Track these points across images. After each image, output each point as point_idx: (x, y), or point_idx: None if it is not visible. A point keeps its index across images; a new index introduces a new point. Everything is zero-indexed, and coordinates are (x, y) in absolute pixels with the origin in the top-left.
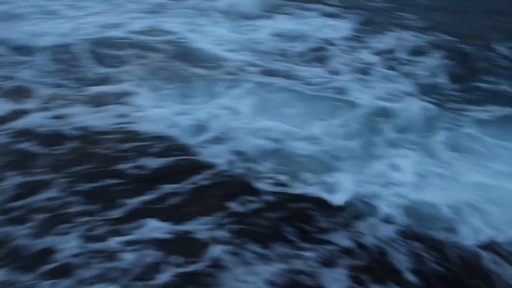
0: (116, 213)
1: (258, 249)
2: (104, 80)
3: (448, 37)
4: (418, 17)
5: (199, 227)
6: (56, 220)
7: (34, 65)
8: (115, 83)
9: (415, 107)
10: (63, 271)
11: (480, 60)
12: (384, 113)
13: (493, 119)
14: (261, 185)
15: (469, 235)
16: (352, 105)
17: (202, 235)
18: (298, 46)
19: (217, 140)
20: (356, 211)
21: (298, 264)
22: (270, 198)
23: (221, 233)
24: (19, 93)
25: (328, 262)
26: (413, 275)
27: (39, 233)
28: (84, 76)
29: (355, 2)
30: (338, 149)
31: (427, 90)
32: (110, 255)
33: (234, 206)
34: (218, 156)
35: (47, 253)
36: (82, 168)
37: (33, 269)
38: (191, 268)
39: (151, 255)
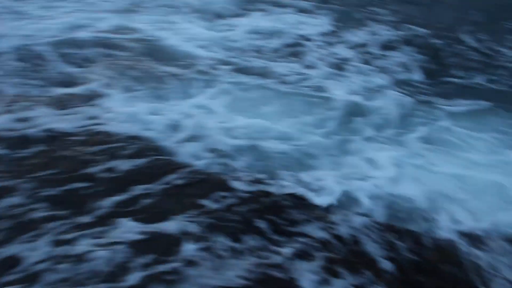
0: (85, 217)
1: (231, 244)
2: (72, 81)
3: (420, 31)
4: (390, 12)
5: (172, 225)
6: (21, 227)
7: None
8: (84, 84)
9: (389, 102)
10: (30, 278)
11: (451, 53)
12: (359, 108)
13: (465, 111)
14: (236, 183)
15: (445, 224)
16: (327, 101)
17: (175, 233)
18: (274, 43)
19: (191, 139)
20: (331, 205)
21: (272, 258)
22: (244, 195)
23: (195, 230)
24: None
25: (303, 255)
26: (388, 265)
27: (4, 241)
28: (51, 77)
29: None
30: (313, 145)
31: (401, 84)
32: (80, 258)
33: (208, 203)
34: (192, 155)
35: (12, 261)
36: (49, 173)
37: None
38: (163, 266)
39: (122, 256)
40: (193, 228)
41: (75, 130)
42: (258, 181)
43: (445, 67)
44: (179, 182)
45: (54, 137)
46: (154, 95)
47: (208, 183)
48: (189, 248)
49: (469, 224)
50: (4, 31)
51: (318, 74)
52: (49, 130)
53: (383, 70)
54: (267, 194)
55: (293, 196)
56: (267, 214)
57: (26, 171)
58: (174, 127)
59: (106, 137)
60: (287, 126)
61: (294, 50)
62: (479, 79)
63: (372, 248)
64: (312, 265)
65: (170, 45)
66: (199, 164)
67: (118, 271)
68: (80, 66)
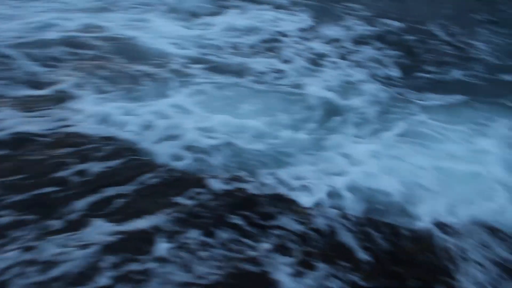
0: (56, 221)
1: (205, 240)
2: (40, 82)
3: (394, 25)
4: (364, 6)
5: (145, 224)
6: None
7: None
8: (53, 85)
9: (365, 97)
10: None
11: (425, 47)
12: (335, 104)
13: (440, 105)
14: (211, 181)
15: (422, 216)
16: (303, 97)
17: (148, 232)
18: (250, 40)
19: (166, 139)
20: (308, 199)
21: (247, 252)
22: (220, 192)
23: (168, 228)
24: None
25: (279, 249)
26: (366, 256)
27: None
28: (17, 78)
29: None
30: (290, 142)
31: (376, 79)
32: (50, 262)
33: (182, 201)
34: (167, 155)
35: None
36: (16, 178)
37: None
38: (134, 266)
39: (94, 258)
40: (166, 226)
41: (44, 132)
42: (234, 179)
43: (420, 61)
44: (154, 181)
45: (21, 140)
46: (127, 95)
47: (183, 181)
48: (162, 246)
49: (445, 214)
50: None
51: (294, 70)
52: (16, 133)
53: (358, 65)
54: (243, 190)
55: (269, 192)
56: (243, 210)
57: None
58: (148, 127)
59: (77, 139)
60: (264, 124)
61: (270, 46)
62: (452, 73)
63: (350, 240)
64: (288, 258)
65: (144, 44)
66: (174, 163)
67: (89, 273)
68: (50, 67)
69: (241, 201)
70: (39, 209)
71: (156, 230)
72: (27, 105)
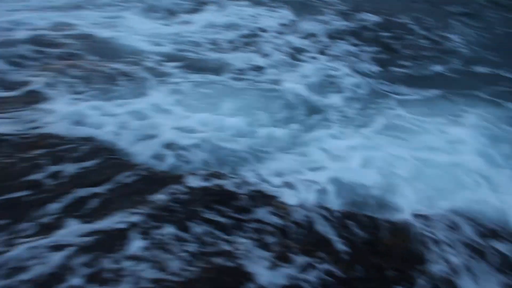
0: (28, 224)
1: (182, 235)
2: (11, 83)
3: (370, 20)
4: (341, 1)
5: (120, 223)
6: None
7: None
8: (25, 85)
9: (343, 92)
10: None
11: (401, 41)
12: (313, 100)
13: (417, 98)
14: (189, 178)
15: (400, 207)
16: (282, 93)
17: (123, 230)
18: (229, 37)
19: (143, 138)
20: (287, 194)
21: (223, 247)
22: (198, 188)
23: (143, 226)
24: None
25: (257, 243)
26: (344, 248)
27: None
28: None
29: None
30: (269, 138)
31: (354, 74)
32: (20, 265)
33: (159, 198)
34: (144, 154)
35: None
36: None
37: None
38: (107, 265)
39: (66, 259)
40: (142, 223)
41: (15, 134)
42: (212, 176)
43: (396, 55)
44: (130, 180)
45: None
46: (102, 94)
47: (160, 180)
48: (136, 244)
49: (423, 205)
50: None
51: (273, 66)
52: None
53: (336, 60)
54: (222, 187)
55: (248, 187)
56: (221, 206)
57: None
58: (124, 126)
59: (50, 140)
60: (243, 121)
61: (249, 43)
62: (428, 66)
63: (329, 233)
64: (266, 252)
65: (120, 42)
66: (152, 162)
67: (61, 274)
68: (20, 66)
69: (219, 197)
70: (10, 213)
71: (132, 228)
72: None
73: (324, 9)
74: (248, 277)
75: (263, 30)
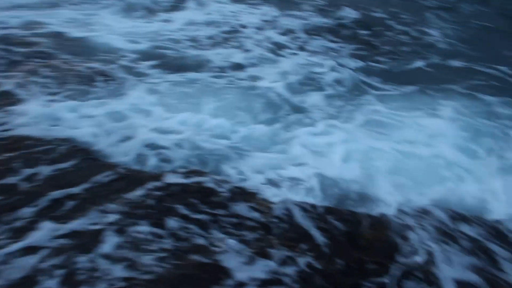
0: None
1: (158, 232)
2: None
3: (349, 16)
4: None
5: (96, 222)
6: None
7: None
8: None
9: (323, 88)
10: None
11: (378, 37)
12: (294, 96)
13: (397, 93)
14: (168, 176)
15: (380, 202)
16: (262, 90)
17: (99, 229)
18: (209, 35)
19: (120, 138)
20: (268, 190)
21: (201, 243)
22: (176, 186)
23: (120, 224)
24: None
25: (235, 238)
26: (324, 243)
27: None
28: None
29: None
30: (249, 136)
31: (334, 70)
32: None
33: (136, 197)
34: (122, 154)
35: None
36: None
37: None
38: (81, 264)
39: (39, 261)
40: (118, 223)
41: None
42: (191, 173)
43: (374, 50)
44: (107, 180)
45: None
46: (79, 95)
47: (138, 179)
48: (111, 243)
49: (402, 198)
50: None
51: (253, 63)
52: None
53: (316, 56)
54: (201, 184)
55: (228, 184)
56: (200, 203)
57: None
58: (101, 127)
59: (24, 143)
60: (222, 119)
61: (229, 40)
62: (406, 61)
63: (308, 228)
64: (245, 247)
65: (97, 41)
66: (129, 162)
67: (34, 277)
68: None
69: (198, 194)
70: None
71: (107, 228)
72: None
73: (304, 5)
74: (225, 272)
75: (244, 27)
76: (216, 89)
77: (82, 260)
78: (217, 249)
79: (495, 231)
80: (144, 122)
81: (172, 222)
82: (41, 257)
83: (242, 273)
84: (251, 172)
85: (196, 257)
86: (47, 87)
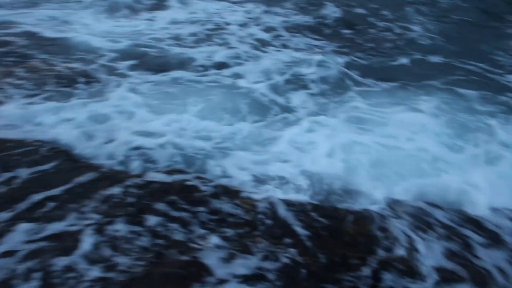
0: None
1: (137, 230)
2: None
3: (330, 15)
4: None
5: (75, 224)
6: None
7: None
8: None
9: (305, 85)
10: None
11: (360, 33)
12: (277, 93)
13: (378, 90)
14: (149, 175)
15: (363, 196)
16: (245, 89)
17: (77, 230)
18: (192, 33)
19: (102, 140)
20: (251, 188)
21: (181, 240)
22: (157, 185)
23: (99, 225)
24: None
25: (216, 234)
26: (309, 239)
27: None
28: None
29: None
30: (232, 135)
31: (317, 66)
32: None
33: (117, 197)
34: (103, 156)
35: None
36: None
37: None
38: (59, 266)
39: (15, 265)
40: (97, 223)
41: None
42: (174, 172)
43: (356, 47)
44: (87, 182)
45: None
46: (59, 96)
47: (118, 180)
48: (89, 244)
49: (385, 193)
50: None
51: (236, 62)
52: None
53: (299, 53)
54: (184, 183)
55: (212, 183)
56: (183, 201)
57: None
58: (82, 128)
59: (2, 145)
60: (206, 119)
61: (212, 39)
62: (388, 56)
63: (293, 224)
64: (226, 243)
65: (78, 41)
66: (110, 163)
67: (9, 281)
68: None
69: (181, 193)
70: None
71: (86, 228)
72: None
73: (287, 3)
74: (206, 269)
75: (228, 24)
76: (200, 89)
77: (60, 262)
78: (199, 247)
79: (477, 222)
80: (126, 123)
81: (153, 221)
82: (17, 260)
83: (224, 270)
84: (235, 170)
85: (178, 255)
86: (25, 89)
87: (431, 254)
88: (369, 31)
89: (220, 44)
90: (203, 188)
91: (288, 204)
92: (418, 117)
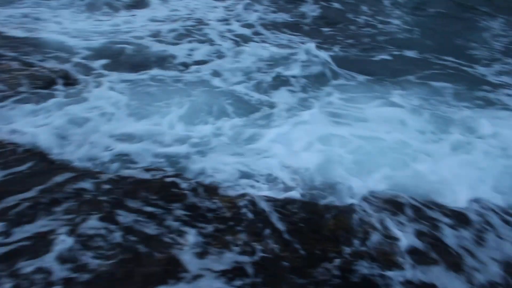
0: None
1: (110, 227)
2: None
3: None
4: None
5: (47, 225)
6: None
7: None
8: None
9: (285, 80)
10: None
11: (338, 29)
12: (256, 91)
13: (354, 84)
14: (128, 176)
15: (342, 191)
16: (224, 86)
17: (51, 231)
18: (171, 31)
19: (79, 143)
20: (230, 185)
21: (155, 236)
22: (136, 185)
23: (73, 225)
24: None
25: (192, 231)
26: (289, 235)
27: None
28: None
29: None
30: (212, 133)
31: (295, 62)
32: None
33: (91, 197)
34: (78, 158)
35: None
36: None
37: None
38: (30, 268)
39: None
40: (72, 223)
41: None
42: (153, 170)
43: (334, 42)
44: (62, 182)
45: None
46: (34, 97)
47: (94, 180)
48: (62, 245)
49: (365, 188)
50: None
51: (216, 58)
52: None
53: (278, 49)
54: (162, 181)
55: (190, 181)
56: (160, 199)
57: None
58: (59, 129)
59: None
60: (186, 117)
61: (192, 35)
62: (366, 51)
63: (273, 220)
64: (204, 239)
65: (55, 40)
66: (87, 165)
67: None
68: None
69: (159, 191)
70: None
71: (59, 229)
72: None
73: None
74: (182, 265)
75: (208, 21)
76: (180, 87)
77: (32, 265)
78: (178, 244)
79: (456, 213)
80: (104, 124)
81: (130, 218)
82: None
83: (202, 266)
84: (214, 168)
85: (156, 253)
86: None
87: (407, 243)
88: (348, 27)
89: (200, 41)
90: (183, 186)
91: (268, 200)
92: (395, 111)
